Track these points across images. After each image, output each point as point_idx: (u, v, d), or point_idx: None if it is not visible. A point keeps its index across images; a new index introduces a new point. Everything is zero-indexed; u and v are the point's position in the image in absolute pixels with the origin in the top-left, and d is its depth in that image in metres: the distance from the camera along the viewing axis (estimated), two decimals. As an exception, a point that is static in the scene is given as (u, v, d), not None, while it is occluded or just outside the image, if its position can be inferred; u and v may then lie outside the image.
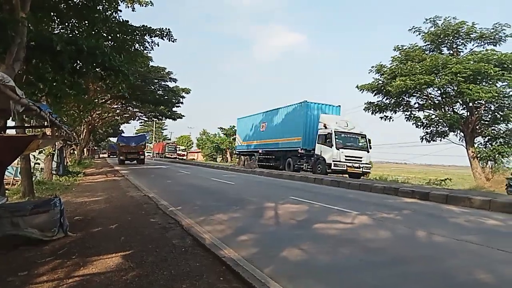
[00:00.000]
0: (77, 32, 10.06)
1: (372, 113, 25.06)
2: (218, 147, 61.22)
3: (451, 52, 22.97)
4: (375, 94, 24.49)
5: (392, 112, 24.57)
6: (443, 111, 22.65)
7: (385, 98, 24.36)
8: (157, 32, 11.95)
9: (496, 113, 21.04)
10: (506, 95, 20.37)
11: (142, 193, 11.32)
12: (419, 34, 23.22)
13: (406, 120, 24.36)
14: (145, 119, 44.01)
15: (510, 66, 19.60)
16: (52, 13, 9.38)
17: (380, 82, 23.85)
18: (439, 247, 5.36)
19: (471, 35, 21.76)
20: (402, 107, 24.18)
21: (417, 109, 24.03)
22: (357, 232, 6.24)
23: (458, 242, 5.58)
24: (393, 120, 24.78)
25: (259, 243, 5.37)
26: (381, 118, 24.86)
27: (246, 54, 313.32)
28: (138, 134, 46.52)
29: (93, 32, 9.83)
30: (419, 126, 23.74)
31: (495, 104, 20.73)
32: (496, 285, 3.77)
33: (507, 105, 20.52)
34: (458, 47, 22.85)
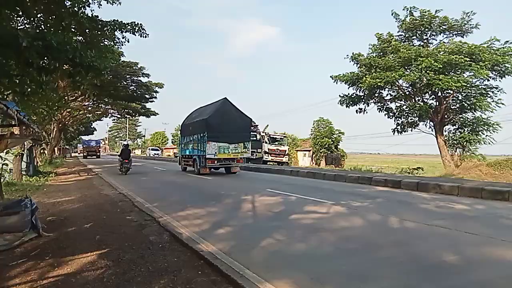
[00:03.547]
0: (44, 28, 9.73)
1: (347, 106, 25.45)
2: (194, 142, 60.72)
3: (422, 43, 23.60)
4: (349, 86, 24.87)
5: (365, 104, 25.08)
6: (413, 101, 23.30)
7: (359, 90, 24.80)
8: (129, 27, 11.71)
9: (463, 102, 21.79)
10: (473, 84, 21.13)
11: (117, 191, 11.15)
12: (397, 20, 23.62)
13: (379, 111, 24.93)
14: (118, 116, 43.08)
15: (478, 57, 20.29)
16: (17, 8, 9.02)
17: (355, 74, 24.25)
18: (410, 232, 5.57)
19: (442, 27, 22.40)
20: (375, 99, 24.72)
21: (389, 101, 24.62)
22: (332, 221, 6.39)
23: (428, 226, 5.80)
24: (366, 112, 25.30)
25: (236, 236, 5.42)
26: (356, 111, 25.32)
27: (220, 48, 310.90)
28: (95, 139, 59.95)
29: (61, 28, 9.53)
30: (391, 117, 24.37)
31: (462, 93, 21.48)
32: (463, 265, 3.96)
33: (474, 94, 21.30)
34: (428, 38, 23.51)
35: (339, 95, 25.95)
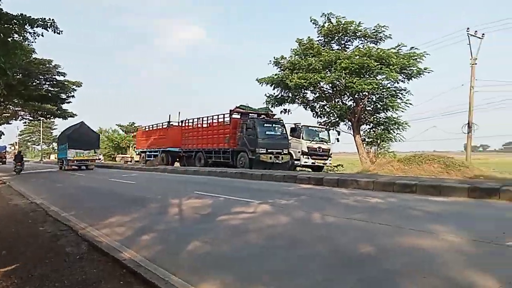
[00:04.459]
0: None
1: (273, 106, 26.16)
2: (118, 146, 57.76)
3: (340, 48, 25.14)
4: (274, 88, 25.61)
5: (290, 104, 26.08)
6: (333, 102, 24.71)
7: (284, 91, 25.67)
8: (39, 22, 10.78)
9: (377, 103, 23.70)
10: (385, 87, 23.06)
11: (29, 200, 10.17)
12: (316, 26, 24.87)
13: (305, 109, 26.08)
14: (30, 118, 39.28)
15: (387, 61, 22.14)
16: None
17: (279, 76, 25.04)
18: (332, 226, 5.87)
19: (357, 34, 24.10)
20: (299, 99, 25.78)
21: (312, 101, 25.84)
22: (259, 220, 6.49)
23: (348, 220, 6.17)
24: (291, 113, 26.27)
25: (162, 241, 5.24)
26: (281, 112, 26.17)
27: (149, 48, 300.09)
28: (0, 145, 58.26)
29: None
30: (315, 116, 25.67)
31: (376, 95, 23.31)
32: (378, 255, 4.25)
33: (386, 96, 23.26)
34: (346, 43, 25.13)
35: (265, 95, 26.61)
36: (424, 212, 6.82)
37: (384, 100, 23.24)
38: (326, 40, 25.17)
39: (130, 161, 43.76)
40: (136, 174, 21.05)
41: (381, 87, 22.64)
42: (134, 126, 59.74)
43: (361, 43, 24.72)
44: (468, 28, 22.96)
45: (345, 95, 24.69)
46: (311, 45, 24.42)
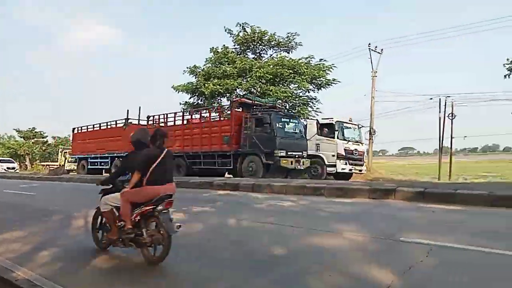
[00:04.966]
0: None
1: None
2: (15, 153, 51.86)
3: (255, 56, 25.92)
4: (190, 96, 25.45)
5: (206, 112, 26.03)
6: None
7: (200, 99, 25.65)
8: None
9: (291, 111, 24.85)
10: (297, 95, 24.32)
11: None
12: (231, 35, 25.35)
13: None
14: None
15: (299, 70, 23.39)
16: None
17: (194, 83, 25.01)
18: (245, 231, 5.94)
19: (271, 43, 25.10)
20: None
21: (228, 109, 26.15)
22: (173, 228, 6.30)
23: (261, 224, 6.29)
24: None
25: (64, 256, 4.78)
26: None
27: (53, 47, 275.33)
28: None
29: None
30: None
31: (289, 103, 24.42)
32: (289, 256, 4.40)
33: (298, 104, 24.53)
34: (261, 52, 26.01)
35: (180, 103, 26.31)
36: (331, 213, 7.27)
37: (297, 107, 24.46)
38: (242, 48, 25.77)
39: (59, 170, 30.73)
40: (37, 184, 19.04)
41: (294, 96, 23.83)
42: (35, 132, 54.31)
43: (275, 52, 25.80)
44: (369, 44, 25.28)
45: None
46: (226, 53, 24.82)
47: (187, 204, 8.86)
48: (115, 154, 21.47)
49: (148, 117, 21.38)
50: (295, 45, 25.36)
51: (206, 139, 17.28)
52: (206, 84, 23.51)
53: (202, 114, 18.87)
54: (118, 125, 22.43)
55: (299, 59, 24.14)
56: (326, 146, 17.39)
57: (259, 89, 23.36)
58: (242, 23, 25.10)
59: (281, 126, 15.95)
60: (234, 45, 25.93)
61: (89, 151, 23.88)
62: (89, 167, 23.85)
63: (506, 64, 19.50)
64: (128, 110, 22.15)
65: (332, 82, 24.26)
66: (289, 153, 15.59)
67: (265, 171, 15.34)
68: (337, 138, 17.25)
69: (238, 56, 25.43)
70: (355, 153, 18.01)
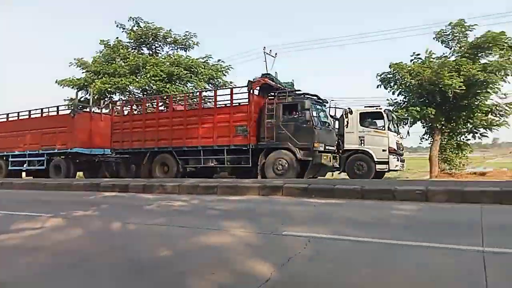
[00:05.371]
0: None
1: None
2: None
3: (151, 52, 25.09)
4: (78, 91, 23.46)
5: (96, 108, 24.34)
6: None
7: (89, 95, 23.87)
8: None
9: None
10: (195, 95, 24.16)
11: None
12: (124, 30, 24.12)
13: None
14: None
15: (196, 70, 23.33)
16: None
17: (82, 80, 23.26)
18: (130, 235, 5.63)
19: (167, 40, 24.50)
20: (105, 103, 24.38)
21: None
22: (47, 236, 5.66)
23: (148, 226, 6.04)
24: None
25: None
26: None
27: None
28: None
29: None
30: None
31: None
32: (174, 258, 4.28)
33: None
34: (157, 48, 25.26)
35: (64, 99, 24.10)
36: (221, 211, 7.35)
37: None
38: (136, 43, 24.75)
39: None
40: None
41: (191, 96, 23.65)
42: None
43: (172, 49, 25.32)
44: (264, 47, 26.33)
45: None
46: (118, 47, 23.57)
47: (68, 209, 8.10)
48: (55, 151, 17.01)
49: (116, 101, 18.30)
50: (193, 44, 25.18)
51: (208, 130, 13.89)
52: (94, 82, 21.94)
53: (207, 97, 15.26)
54: (61, 113, 17.96)
55: (197, 59, 24.06)
56: (373, 139, 14.55)
57: (154, 87, 22.62)
58: (135, 18, 24.06)
59: (316, 115, 13.39)
60: (129, 40, 24.74)
61: (13, 147, 18.35)
62: (10, 168, 18.51)
63: (379, 75, 22.23)
64: (77, 92, 18.77)
65: (230, 84, 24.56)
66: (327, 148, 13.31)
67: (299, 170, 12.79)
68: (389, 130, 14.64)
69: (132, 51, 24.33)
70: (400, 147, 15.78)
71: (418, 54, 21.18)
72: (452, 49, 21.00)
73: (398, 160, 14.80)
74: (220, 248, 4.57)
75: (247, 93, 13.52)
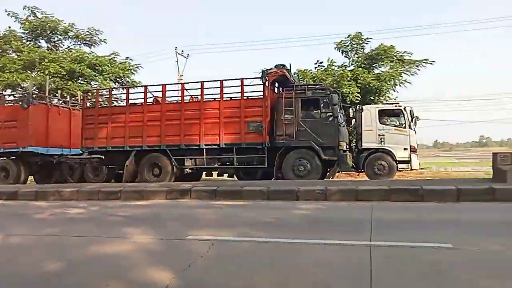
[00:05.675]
0: None
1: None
2: None
3: (49, 46, 22.89)
4: None
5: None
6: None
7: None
8: None
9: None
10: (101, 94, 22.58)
11: None
12: (17, 20, 21.67)
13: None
14: None
15: (100, 68, 21.85)
16: None
17: None
18: (16, 247, 5.01)
19: (69, 34, 22.58)
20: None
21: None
22: None
23: (37, 237, 5.47)
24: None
25: None
26: None
27: None
28: None
29: None
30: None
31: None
32: (65, 270, 3.92)
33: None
34: (56, 42, 23.12)
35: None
36: (123, 218, 6.95)
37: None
38: (32, 35, 22.36)
39: None
40: None
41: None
42: None
43: (74, 44, 23.46)
44: (176, 47, 25.85)
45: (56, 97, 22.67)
46: (10, 38, 21.10)
47: None
48: (1, 150, 13.74)
49: (89, 91, 15.32)
50: (98, 41, 23.59)
51: (213, 126, 12.06)
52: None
53: (211, 88, 12.65)
54: (8, 104, 14.87)
55: (103, 56, 22.54)
56: (394, 138, 13.49)
57: (53, 85, 20.62)
58: (32, 7, 21.74)
59: (339, 111, 12.40)
60: (24, 32, 22.23)
61: None
62: None
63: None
64: (30, 81, 15.20)
65: (139, 84, 23.44)
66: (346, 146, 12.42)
67: (322, 170, 11.70)
68: (410, 128, 13.71)
69: (27, 44, 21.91)
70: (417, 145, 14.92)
71: (322, 62, 22.58)
72: (351, 59, 22.80)
73: (417, 159, 14.07)
74: (118, 257, 4.31)
75: (262, 85, 11.85)
